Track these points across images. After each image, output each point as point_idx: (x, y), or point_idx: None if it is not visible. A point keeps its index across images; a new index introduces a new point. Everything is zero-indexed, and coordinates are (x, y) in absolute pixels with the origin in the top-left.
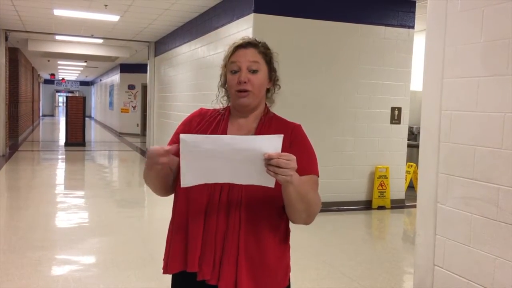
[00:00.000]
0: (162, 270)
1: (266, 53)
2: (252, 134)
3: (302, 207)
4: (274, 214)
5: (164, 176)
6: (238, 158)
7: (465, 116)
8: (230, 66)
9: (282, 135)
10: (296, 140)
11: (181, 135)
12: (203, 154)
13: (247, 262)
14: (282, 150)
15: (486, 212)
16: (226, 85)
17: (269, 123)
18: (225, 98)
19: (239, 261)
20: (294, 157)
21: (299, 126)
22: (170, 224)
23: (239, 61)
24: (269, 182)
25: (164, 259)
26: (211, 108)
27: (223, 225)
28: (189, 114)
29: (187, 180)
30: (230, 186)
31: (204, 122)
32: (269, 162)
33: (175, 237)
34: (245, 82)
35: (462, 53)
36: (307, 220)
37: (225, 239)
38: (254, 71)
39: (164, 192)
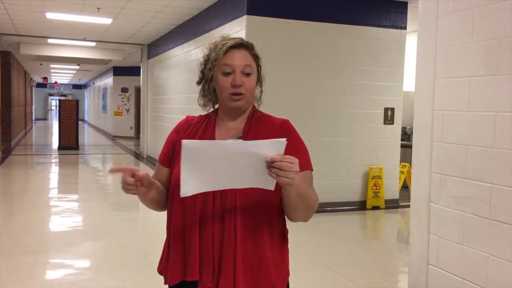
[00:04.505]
0: (163, 280)
1: (256, 55)
2: (240, 135)
3: (303, 205)
4: (271, 218)
5: (155, 195)
6: (240, 163)
7: (457, 116)
8: (223, 68)
9: (285, 139)
10: (287, 136)
11: (184, 141)
12: (205, 161)
13: (245, 268)
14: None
15: (479, 211)
16: (210, 85)
17: (256, 123)
18: (208, 98)
19: (236, 267)
20: (297, 160)
21: (287, 121)
22: (167, 234)
23: (233, 64)
24: (269, 185)
25: (161, 270)
26: (197, 115)
27: (219, 233)
28: (177, 123)
29: (187, 188)
30: (223, 193)
31: (191, 129)
32: (271, 165)
33: (173, 248)
34: (240, 86)
35: (454, 53)
36: (306, 218)
37: (222, 246)
38: (247, 74)
39: (159, 209)
